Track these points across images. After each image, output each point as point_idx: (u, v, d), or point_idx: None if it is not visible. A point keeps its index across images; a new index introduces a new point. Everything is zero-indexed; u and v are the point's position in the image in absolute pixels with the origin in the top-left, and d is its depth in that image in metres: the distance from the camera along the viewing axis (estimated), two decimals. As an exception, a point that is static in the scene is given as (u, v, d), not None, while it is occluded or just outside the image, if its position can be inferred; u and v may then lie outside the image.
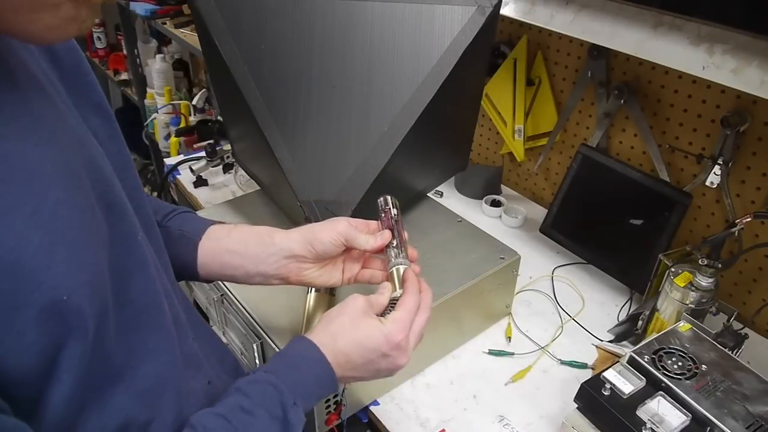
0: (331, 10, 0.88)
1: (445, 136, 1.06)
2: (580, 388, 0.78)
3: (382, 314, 0.63)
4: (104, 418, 0.47)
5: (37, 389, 0.41)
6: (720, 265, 0.89)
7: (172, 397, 0.54)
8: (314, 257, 0.69)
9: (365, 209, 0.84)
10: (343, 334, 0.60)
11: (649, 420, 0.71)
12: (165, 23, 2.07)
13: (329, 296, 0.83)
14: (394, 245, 0.69)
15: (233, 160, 1.38)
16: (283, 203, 1.04)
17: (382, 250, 0.69)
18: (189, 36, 1.96)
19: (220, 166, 1.44)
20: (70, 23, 0.39)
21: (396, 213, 0.72)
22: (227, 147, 1.45)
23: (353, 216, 0.75)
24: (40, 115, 0.43)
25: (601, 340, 1.02)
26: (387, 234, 0.69)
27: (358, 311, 0.62)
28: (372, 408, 0.88)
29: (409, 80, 0.87)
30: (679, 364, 0.78)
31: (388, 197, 0.74)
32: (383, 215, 0.72)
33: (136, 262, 0.50)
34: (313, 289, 0.84)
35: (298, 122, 0.87)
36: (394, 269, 0.67)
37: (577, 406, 0.79)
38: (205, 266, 0.70)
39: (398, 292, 0.65)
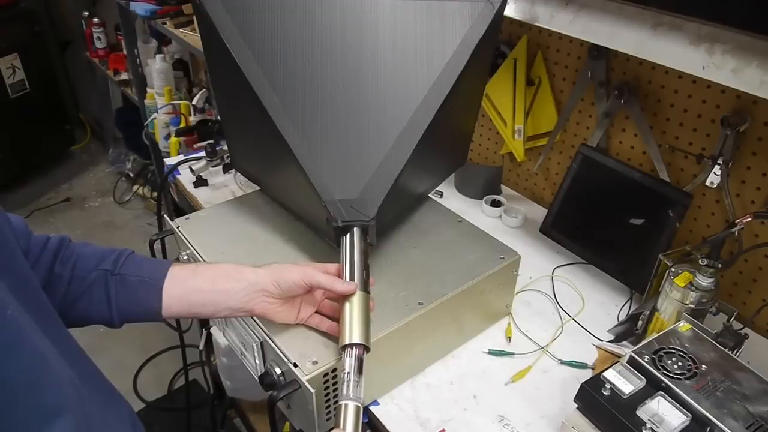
0: (341, 10, 0.88)
1: (452, 131, 1.06)
2: (580, 388, 0.78)
3: None
4: None
5: None
6: (720, 265, 0.89)
7: None
8: (279, 294, 0.76)
9: (388, 207, 0.85)
10: None
11: (649, 420, 0.71)
12: (165, 23, 2.07)
13: (368, 294, 0.79)
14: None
15: (233, 160, 1.38)
16: (297, 206, 1.03)
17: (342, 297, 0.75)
18: (189, 36, 1.96)
19: (220, 166, 1.44)
20: None
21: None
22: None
23: (378, 212, 0.82)
24: None
25: (601, 340, 1.02)
26: (353, 285, 0.75)
27: None
28: (372, 408, 0.88)
29: (425, 76, 0.87)
30: (679, 364, 0.78)
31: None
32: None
33: (4, 342, 0.47)
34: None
35: (314, 122, 0.86)
36: (342, 404, 0.67)
37: (577, 406, 0.79)
38: (171, 307, 0.74)
39: None
